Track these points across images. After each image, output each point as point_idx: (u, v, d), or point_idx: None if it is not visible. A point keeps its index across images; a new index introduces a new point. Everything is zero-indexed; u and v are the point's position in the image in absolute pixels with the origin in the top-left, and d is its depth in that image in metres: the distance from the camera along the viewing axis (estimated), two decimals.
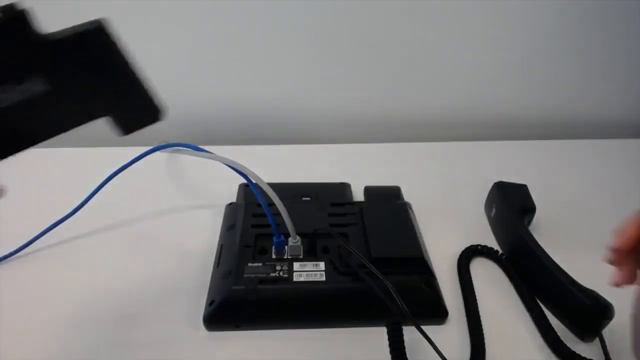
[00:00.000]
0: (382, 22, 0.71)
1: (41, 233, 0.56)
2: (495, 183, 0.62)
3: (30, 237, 0.56)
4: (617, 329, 0.46)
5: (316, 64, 0.75)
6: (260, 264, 0.49)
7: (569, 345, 0.46)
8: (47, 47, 0.30)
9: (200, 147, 0.52)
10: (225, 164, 0.48)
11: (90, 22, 0.32)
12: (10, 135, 0.31)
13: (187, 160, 0.72)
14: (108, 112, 0.34)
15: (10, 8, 0.28)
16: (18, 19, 0.28)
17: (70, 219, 0.57)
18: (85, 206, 0.57)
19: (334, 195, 0.61)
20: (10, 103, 0.29)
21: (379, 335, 0.42)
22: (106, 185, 0.57)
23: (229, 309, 0.47)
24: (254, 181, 0.48)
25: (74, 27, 0.31)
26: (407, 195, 0.63)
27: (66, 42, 0.31)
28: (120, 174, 0.55)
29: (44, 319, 0.48)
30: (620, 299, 0.46)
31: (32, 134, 0.33)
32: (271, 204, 0.47)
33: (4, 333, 0.47)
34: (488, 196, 0.63)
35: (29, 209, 0.63)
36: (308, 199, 0.60)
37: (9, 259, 0.55)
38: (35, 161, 0.72)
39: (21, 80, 0.30)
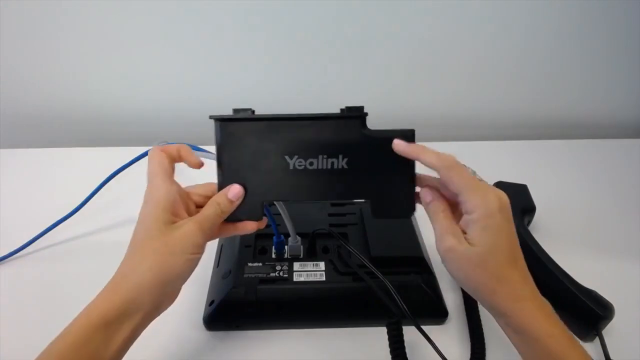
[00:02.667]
0: (383, 22, 0.71)
1: (41, 233, 0.56)
2: (495, 183, 0.62)
3: (30, 237, 0.56)
4: (617, 329, 0.47)
5: (316, 65, 0.75)
6: (260, 264, 0.49)
7: None
8: (365, 139, 0.39)
9: (200, 147, 0.52)
10: None
11: (406, 130, 0.39)
12: (299, 187, 0.39)
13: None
14: (370, 197, 0.40)
15: (357, 109, 0.39)
16: (360, 117, 0.39)
17: (70, 219, 0.57)
18: (85, 206, 0.57)
19: None
20: (315, 168, 0.39)
21: (379, 335, 0.42)
22: (106, 185, 0.57)
23: (229, 309, 0.47)
24: None
25: (390, 130, 0.39)
26: None
27: (382, 139, 0.38)
28: (120, 174, 0.55)
29: (43, 319, 0.48)
30: (620, 299, 0.46)
31: (310, 193, 0.40)
32: (271, 204, 0.47)
33: (3, 333, 0.47)
34: None
35: (29, 209, 0.63)
36: None
37: (8, 258, 0.55)
38: (36, 161, 0.73)
39: (334, 156, 0.39)
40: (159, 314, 0.37)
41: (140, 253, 0.35)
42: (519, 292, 0.35)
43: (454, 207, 0.39)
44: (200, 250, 0.37)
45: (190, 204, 0.39)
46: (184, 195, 0.39)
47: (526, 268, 0.36)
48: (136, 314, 0.34)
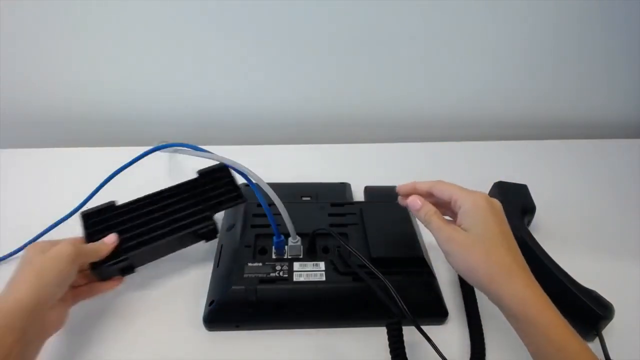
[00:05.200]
0: (382, 22, 0.71)
1: (41, 233, 0.56)
2: (495, 183, 0.62)
3: (30, 238, 0.56)
4: (617, 329, 0.47)
5: (316, 65, 0.75)
6: (260, 264, 0.49)
7: None
8: None
9: (201, 147, 0.52)
10: (225, 164, 0.49)
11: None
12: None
13: (188, 160, 0.72)
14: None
15: None
16: None
17: (71, 219, 0.57)
18: (86, 205, 0.57)
19: (334, 195, 0.61)
20: None
21: (379, 335, 0.42)
22: (107, 186, 0.56)
23: (229, 309, 0.47)
24: (254, 181, 0.48)
25: None
26: None
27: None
28: (121, 175, 0.55)
29: None
30: (620, 299, 0.46)
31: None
32: (271, 204, 0.47)
33: None
34: None
35: (29, 209, 0.63)
36: (308, 199, 0.60)
37: (9, 258, 0.55)
38: (36, 161, 0.73)
39: None
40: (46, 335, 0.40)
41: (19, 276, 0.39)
42: (514, 276, 0.38)
43: (444, 212, 0.45)
44: (68, 277, 0.41)
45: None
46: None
47: (522, 257, 0.40)
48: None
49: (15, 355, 0.34)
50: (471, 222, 0.41)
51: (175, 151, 0.52)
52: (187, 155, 0.51)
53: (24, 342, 0.35)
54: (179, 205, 0.50)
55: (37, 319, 0.37)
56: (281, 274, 0.48)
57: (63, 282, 0.40)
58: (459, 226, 0.42)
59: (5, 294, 0.37)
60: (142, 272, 0.53)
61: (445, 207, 0.45)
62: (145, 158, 0.52)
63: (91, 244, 0.45)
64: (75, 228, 0.58)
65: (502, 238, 0.40)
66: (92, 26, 0.69)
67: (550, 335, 0.36)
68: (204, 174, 0.53)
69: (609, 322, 0.46)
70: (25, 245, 0.56)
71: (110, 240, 0.46)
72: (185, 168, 0.71)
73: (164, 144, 0.55)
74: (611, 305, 0.45)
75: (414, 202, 0.45)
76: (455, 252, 0.41)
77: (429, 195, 0.46)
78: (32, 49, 0.71)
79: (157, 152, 0.52)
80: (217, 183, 0.52)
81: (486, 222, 0.40)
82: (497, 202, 0.43)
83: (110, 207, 0.51)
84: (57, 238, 0.45)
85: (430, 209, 0.44)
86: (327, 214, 0.56)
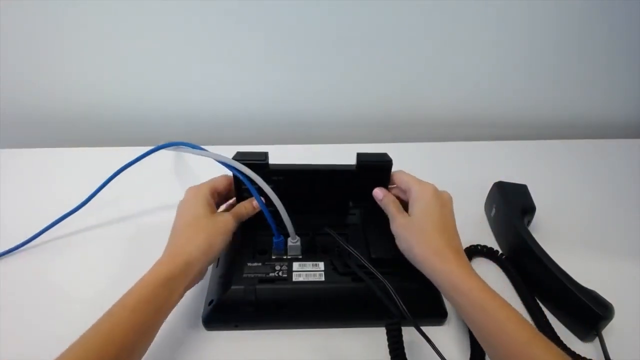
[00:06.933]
0: (382, 22, 0.71)
1: (42, 231, 0.56)
2: (495, 183, 0.62)
3: (27, 237, 0.56)
4: (617, 329, 0.46)
5: (316, 65, 0.75)
6: (260, 264, 0.49)
7: (568, 345, 0.46)
8: None
9: (203, 147, 0.52)
10: (226, 164, 0.48)
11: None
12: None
13: (191, 161, 0.72)
14: None
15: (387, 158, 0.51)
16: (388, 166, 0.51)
17: (72, 216, 0.57)
18: (88, 204, 0.57)
19: None
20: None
21: (378, 335, 0.42)
22: (110, 185, 0.56)
23: (228, 308, 0.47)
24: (253, 180, 0.48)
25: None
26: None
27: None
28: (124, 174, 0.55)
29: (41, 316, 0.48)
30: (620, 299, 0.46)
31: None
32: (271, 204, 0.47)
33: (7, 326, 0.47)
34: (488, 196, 0.63)
35: (28, 209, 0.63)
36: None
37: (10, 253, 0.55)
38: (36, 161, 0.73)
39: None
40: (194, 285, 0.44)
41: (192, 231, 0.44)
42: (443, 256, 0.43)
43: (402, 203, 0.50)
44: (232, 234, 0.47)
45: (215, 194, 0.50)
46: (212, 192, 0.49)
47: (458, 244, 0.45)
48: (189, 275, 0.42)
49: (170, 304, 0.41)
50: (415, 208, 0.46)
51: (176, 149, 0.52)
52: (191, 157, 0.51)
53: (180, 294, 0.42)
54: (325, 195, 0.53)
55: (196, 278, 0.43)
56: (280, 274, 0.48)
57: (222, 250, 0.46)
58: (407, 213, 0.47)
59: (178, 249, 0.43)
60: (141, 271, 0.53)
61: (405, 195, 0.50)
62: (150, 158, 0.52)
63: (243, 209, 0.49)
64: (78, 225, 0.59)
65: (440, 224, 0.45)
66: (92, 26, 0.69)
67: (473, 299, 0.40)
68: (363, 166, 0.51)
69: (609, 322, 0.45)
70: (24, 244, 0.56)
71: (258, 204, 0.48)
72: (188, 169, 0.71)
73: (165, 143, 0.55)
74: (611, 305, 0.45)
75: (377, 193, 0.51)
76: (398, 234, 0.46)
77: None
78: (32, 49, 0.71)
79: (162, 153, 0.52)
80: (372, 183, 0.51)
81: (427, 210, 0.46)
82: (446, 195, 0.48)
83: (264, 164, 0.50)
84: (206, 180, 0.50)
85: (389, 199, 0.49)
86: (327, 214, 0.56)
